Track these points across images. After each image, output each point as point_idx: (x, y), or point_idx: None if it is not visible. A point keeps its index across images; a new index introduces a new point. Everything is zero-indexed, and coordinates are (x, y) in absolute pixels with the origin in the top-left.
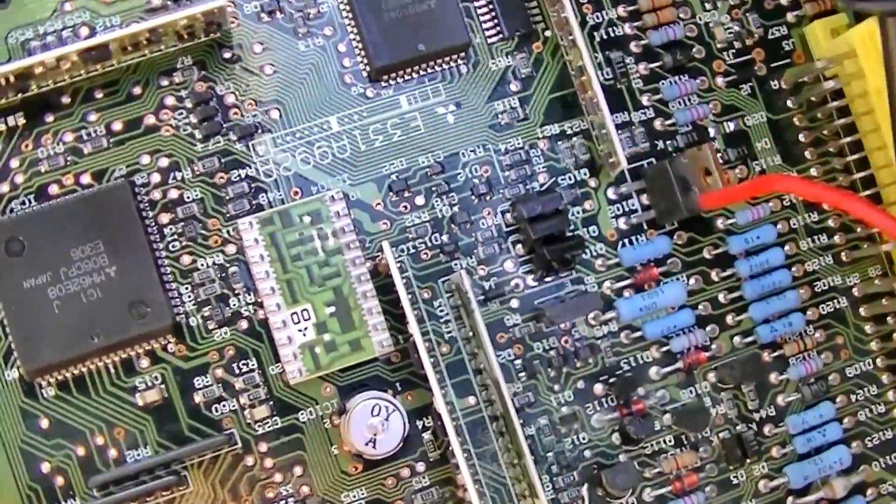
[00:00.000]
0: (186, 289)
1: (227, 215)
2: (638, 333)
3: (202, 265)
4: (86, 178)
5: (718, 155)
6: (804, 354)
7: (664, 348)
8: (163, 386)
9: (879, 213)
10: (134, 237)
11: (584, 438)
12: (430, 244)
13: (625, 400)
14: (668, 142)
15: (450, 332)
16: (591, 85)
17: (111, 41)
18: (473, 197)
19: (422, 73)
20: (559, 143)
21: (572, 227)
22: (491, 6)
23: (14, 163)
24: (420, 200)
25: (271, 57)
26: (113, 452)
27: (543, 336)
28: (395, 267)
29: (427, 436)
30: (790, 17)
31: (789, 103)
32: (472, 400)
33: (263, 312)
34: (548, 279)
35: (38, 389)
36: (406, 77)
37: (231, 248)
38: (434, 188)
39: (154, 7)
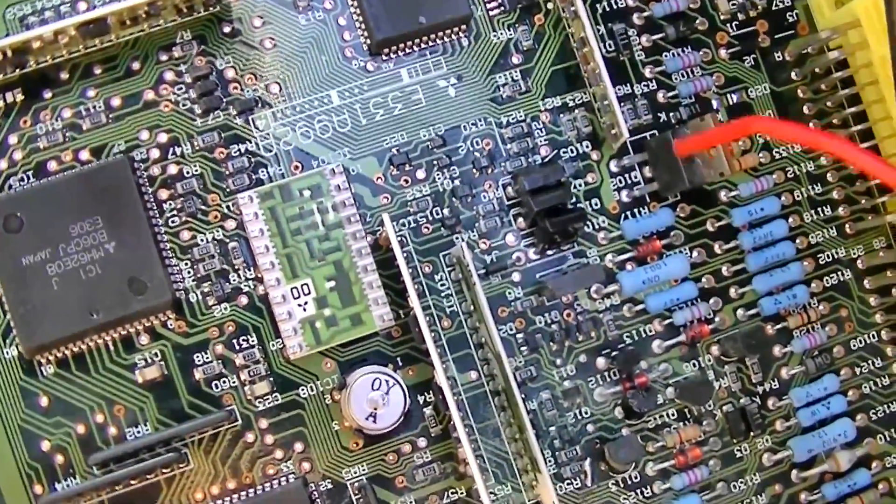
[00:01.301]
0: (186, 264)
1: (227, 190)
2: (640, 306)
3: (202, 240)
4: (85, 154)
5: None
6: (808, 327)
7: (667, 321)
8: (162, 363)
9: (858, 152)
10: (133, 213)
11: (586, 412)
12: (431, 218)
13: (627, 373)
14: (670, 114)
15: (451, 306)
16: (594, 57)
17: (110, 15)
18: (475, 170)
19: (423, 45)
20: (561, 115)
21: (574, 199)
22: None
23: (12, 139)
24: (421, 174)
25: (271, 31)
26: (113, 430)
27: (545, 310)
28: (395, 241)
29: (428, 411)
30: None
31: (793, 75)
32: (473, 374)
33: (263, 287)
34: (549, 252)
35: (37, 367)
36: (407, 50)
37: (231, 224)
38: (435, 161)
39: None
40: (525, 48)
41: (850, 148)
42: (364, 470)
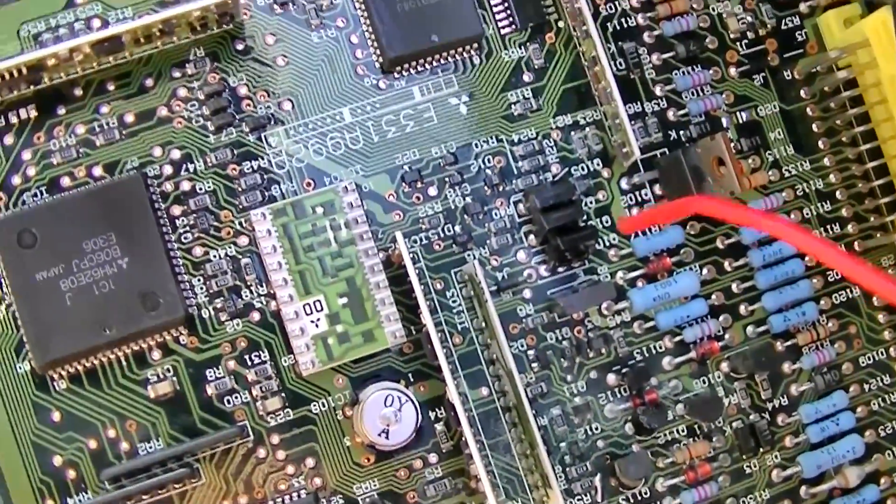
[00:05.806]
0: (198, 280)
1: (240, 207)
2: (651, 323)
3: (214, 257)
4: (98, 171)
5: (731, 145)
6: (817, 344)
7: (677, 338)
8: (175, 378)
9: (803, 234)
10: (146, 229)
11: (596, 428)
12: (442, 235)
13: (638, 390)
14: (681, 132)
15: (462, 322)
16: (605, 75)
17: (124, 33)
18: (486, 188)
19: (434, 63)
20: (572, 133)
21: (585, 217)
22: None
23: (26, 155)
24: (433, 191)
25: (284, 48)
26: (125, 445)
27: (556, 326)
28: (408, 257)
29: (440, 427)
30: (803, 7)
31: (802, 93)
32: (484, 391)
33: (276, 304)
34: (560, 269)
35: (49, 382)
36: (419, 68)
37: (243, 240)
38: (447, 179)
39: None
40: (536, 66)
41: (790, 229)
42: (375, 485)
